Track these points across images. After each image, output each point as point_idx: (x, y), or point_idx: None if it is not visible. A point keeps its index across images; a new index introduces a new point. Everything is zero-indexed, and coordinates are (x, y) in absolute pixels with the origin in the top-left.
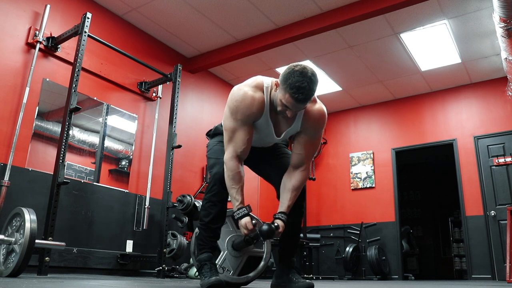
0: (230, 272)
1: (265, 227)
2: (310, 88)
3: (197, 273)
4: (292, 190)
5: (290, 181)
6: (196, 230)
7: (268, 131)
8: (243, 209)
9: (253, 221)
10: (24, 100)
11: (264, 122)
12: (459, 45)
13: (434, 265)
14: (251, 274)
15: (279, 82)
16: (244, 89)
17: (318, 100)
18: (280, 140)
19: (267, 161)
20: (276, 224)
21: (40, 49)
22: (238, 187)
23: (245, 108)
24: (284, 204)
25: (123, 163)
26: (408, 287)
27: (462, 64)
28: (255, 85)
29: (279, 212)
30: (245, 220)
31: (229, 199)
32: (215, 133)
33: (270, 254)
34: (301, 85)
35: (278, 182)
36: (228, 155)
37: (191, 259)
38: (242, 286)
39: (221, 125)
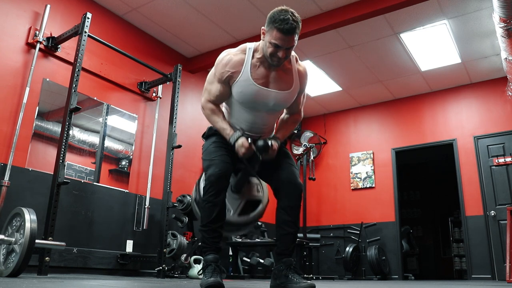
0: (230, 212)
1: (260, 142)
2: (293, 19)
3: (200, 272)
4: (289, 124)
5: (287, 118)
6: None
7: (257, 91)
8: (236, 132)
9: (249, 140)
10: (24, 100)
11: (245, 81)
12: (459, 45)
13: (434, 265)
14: (251, 214)
15: (264, 27)
16: (227, 52)
17: (299, 60)
18: (283, 103)
19: (272, 166)
20: (270, 141)
21: (40, 49)
22: (221, 118)
23: (221, 67)
24: (279, 133)
25: (123, 163)
26: (408, 287)
27: (462, 64)
28: (239, 49)
29: (273, 136)
30: (242, 140)
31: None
32: (209, 134)
33: (267, 198)
34: (285, 17)
35: (277, 181)
36: (204, 99)
37: (191, 259)
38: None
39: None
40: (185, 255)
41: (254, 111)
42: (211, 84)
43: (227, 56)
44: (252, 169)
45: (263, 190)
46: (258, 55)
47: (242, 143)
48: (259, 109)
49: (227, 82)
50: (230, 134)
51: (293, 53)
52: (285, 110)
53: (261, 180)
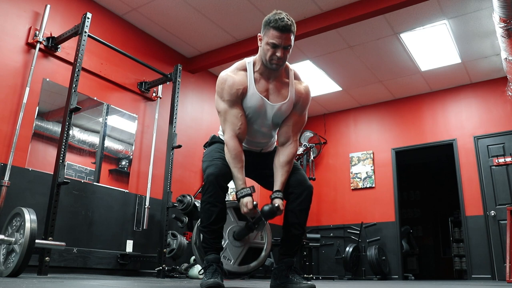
0: (231, 261)
1: (266, 207)
2: (288, 19)
3: (201, 272)
4: (283, 165)
5: (280, 158)
6: (198, 222)
7: (261, 104)
8: (247, 189)
9: (254, 203)
10: (24, 100)
11: (253, 95)
12: (459, 45)
13: (434, 265)
14: (252, 264)
15: (261, 33)
16: (225, 73)
17: (302, 80)
18: (279, 115)
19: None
20: (276, 204)
21: (40, 49)
22: (240, 166)
23: (228, 88)
24: (278, 181)
25: (123, 163)
26: (408, 287)
27: (462, 64)
28: (236, 67)
29: (275, 191)
30: (247, 199)
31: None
32: (212, 142)
33: (270, 245)
34: (279, 17)
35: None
36: (228, 135)
37: (191, 259)
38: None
39: (218, 134)
40: (186, 264)
41: (255, 125)
42: (227, 113)
43: (228, 77)
44: (255, 227)
45: (267, 236)
46: (256, 68)
47: (246, 203)
48: (261, 122)
49: (240, 100)
50: (240, 186)
51: (293, 68)
52: (278, 140)
53: (265, 226)
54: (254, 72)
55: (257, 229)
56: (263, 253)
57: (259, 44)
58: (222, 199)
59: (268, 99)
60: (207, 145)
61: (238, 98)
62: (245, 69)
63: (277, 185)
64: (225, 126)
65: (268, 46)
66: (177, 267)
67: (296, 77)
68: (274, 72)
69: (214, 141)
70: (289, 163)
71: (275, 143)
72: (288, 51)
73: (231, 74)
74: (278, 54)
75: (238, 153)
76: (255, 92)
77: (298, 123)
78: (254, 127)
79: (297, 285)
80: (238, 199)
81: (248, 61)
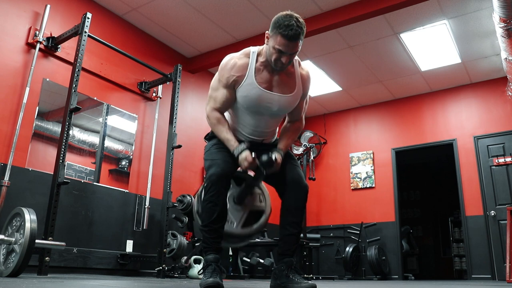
0: (234, 224)
1: (264, 157)
2: (298, 25)
3: (200, 272)
4: (290, 133)
5: (287, 127)
6: (201, 189)
7: (260, 95)
8: (241, 145)
9: (253, 155)
10: (24, 100)
11: (249, 85)
12: (459, 45)
13: (434, 265)
14: (254, 226)
15: (269, 32)
16: (230, 56)
17: (303, 65)
18: (286, 106)
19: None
20: (274, 155)
21: (40, 49)
22: (226, 128)
23: (226, 71)
24: (281, 143)
25: (123, 163)
26: (408, 287)
27: (462, 64)
28: (242, 53)
29: (276, 148)
30: (245, 154)
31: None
32: (212, 136)
33: (270, 208)
34: (289, 23)
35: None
36: (209, 107)
37: (191, 259)
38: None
39: None
40: (185, 257)
41: (257, 115)
42: (216, 90)
43: (232, 60)
44: (255, 182)
45: (266, 199)
46: (261, 59)
47: (245, 156)
48: (263, 113)
49: (232, 86)
50: (234, 146)
51: (296, 56)
52: (286, 118)
53: (263, 189)
54: (256, 62)
55: (257, 182)
56: (263, 216)
57: (265, 42)
58: (224, 198)
59: (271, 90)
60: (207, 137)
61: (231, 85)
62: (249, 57)
63: (280, 146)
64: (210, 100)
65: (274, 50)
66: (177, 265)
67: (300, 64)
68: None
69: (215, 135)
70: (295, 132)
71: (277, 134)
72: (294, 56)
73: (235, 59)
74: (283, 60)
75: (220, 119)
76: (252, 82)
77: (303, 105)
78: (256, 116)
79: (299, 285)
80: (237, 158)
81: (253, 50)
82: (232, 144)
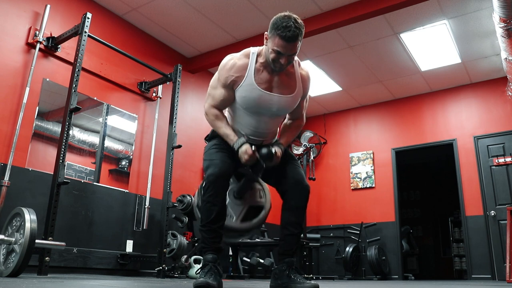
0: (233, 218)
1: (264, 149)
2: (296, 26)
3: (197, 272)
4: (291, 129)
5: (289, 123)
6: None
7: (260, 95)
8: (241, 139)
9: (252, 148)
10: (24, 100)
11: (248, 86)
12: (459, 45)
13: (434, 265)
14: (253, 221)
15: (267, 33)
16: (230, 56)
17: (302, 65)
18: (287, 107)
19: (277, 168)
20: (273, 148)
21: (40, 49)
22: (224, 123)
23: (225, 71)
24: (282, 139)
25: (123, 163)
26: (408, 287)
27: (462, 64)
28: (242, 53)
29: (276, 142)
30: (245, 147)
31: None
32: (212, 136)
33: (270, 203)
34: (287, 24)
35: (285, 184)
36: (207, 104)
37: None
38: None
39: None
40: (185, 256)
41: (257, 115)
42: (215, 89)
43: (231, 60)
44: (255, 176)
45: (266, 195)
46: (261, 60)
47: (245, 149)
48: (263, 113)
49: (231, 86)
50: (233, 140)
51: (296, 57)
52: (287, 116)
53: (263, 185)
54: (256, 63)
55: (257, 176)
56: (263, 211)
57: (264, 43)
58: (223, 198)
59: (271, 91)
60: (208, 138)
61: (229, 85)
62: (248, 57)
63: (281, 140)
64: (208, 97)
65: (273, 52)
66: (177, 264)
67: (299, 65)
68: None
69: (214, 136)
70: (296, 129)
71: (277, 135)
72: (293, 57)
73: (235, 59)
74: (282, 61)
75: (218, 115)
76: (252, 83)
77: (303, 104)
78: (255, 117)
79: (301, 285)
80: (237, 151)
81: (253, 51)
82: (231, 138)
